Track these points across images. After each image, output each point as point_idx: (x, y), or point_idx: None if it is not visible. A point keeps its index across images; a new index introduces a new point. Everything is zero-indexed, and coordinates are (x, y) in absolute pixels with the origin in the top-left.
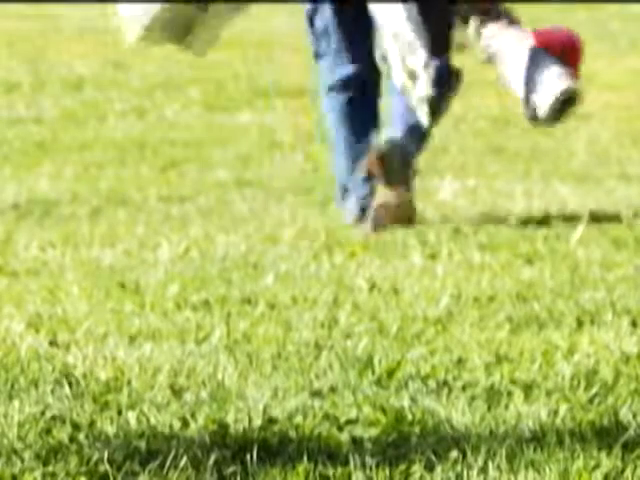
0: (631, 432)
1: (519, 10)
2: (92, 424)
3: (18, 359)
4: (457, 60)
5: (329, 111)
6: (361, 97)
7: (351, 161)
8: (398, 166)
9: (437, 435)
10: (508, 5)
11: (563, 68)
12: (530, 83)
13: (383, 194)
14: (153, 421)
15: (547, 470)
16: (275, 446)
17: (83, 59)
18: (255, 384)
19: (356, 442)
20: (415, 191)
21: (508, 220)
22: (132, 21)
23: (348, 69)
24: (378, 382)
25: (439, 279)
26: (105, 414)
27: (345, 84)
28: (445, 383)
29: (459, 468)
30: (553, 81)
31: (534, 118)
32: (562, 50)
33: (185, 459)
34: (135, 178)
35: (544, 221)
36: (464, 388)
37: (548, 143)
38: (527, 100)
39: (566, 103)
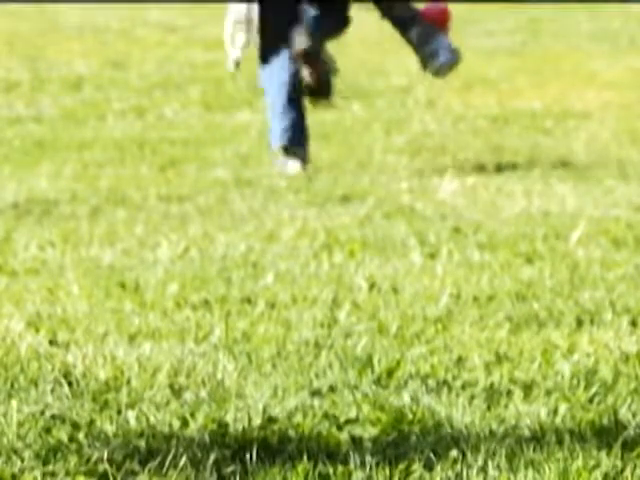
0: (630, 431)
1: (519, 10)
2: (92, 423)
3: (18, 358)
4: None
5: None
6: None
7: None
8: (317, 54)
9: (437, 434)
10: None
11: (447, 39)
12: (428, 51)
13: (309, 74)
14: (153, 420)
15: (546, 469)
16: (275, 445)
17: (83, 58)
18: (255, 383)
19: (356, 441)
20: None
21: (508, 219)
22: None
23: None
24: (378, 381)
25: (439, 278)
26: (105, 413)
27: None
28: (445, 382)
29: (459, 467)
30: (446, 52)
31: (432, 73)
32: (437, 18)
33: (185, 458)
34: (134, 177)
35: (544, 220)
36: (464, 387)
37: (548, 142)
38: (425, 63)
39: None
